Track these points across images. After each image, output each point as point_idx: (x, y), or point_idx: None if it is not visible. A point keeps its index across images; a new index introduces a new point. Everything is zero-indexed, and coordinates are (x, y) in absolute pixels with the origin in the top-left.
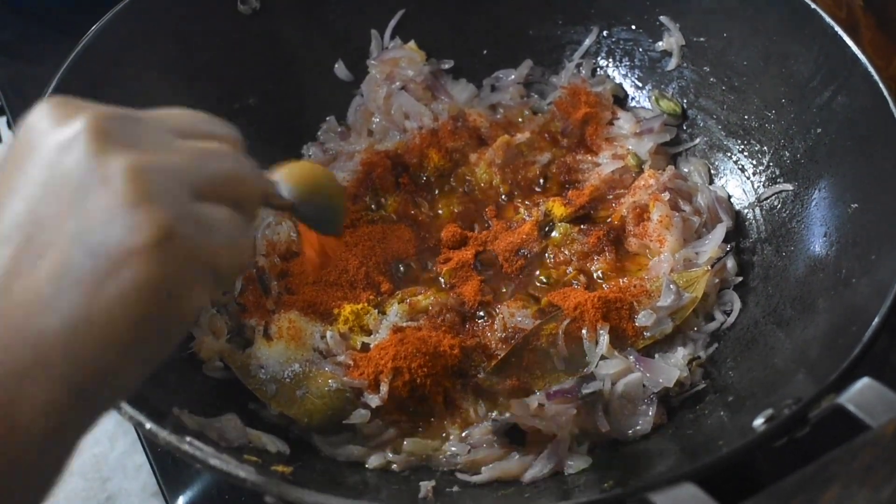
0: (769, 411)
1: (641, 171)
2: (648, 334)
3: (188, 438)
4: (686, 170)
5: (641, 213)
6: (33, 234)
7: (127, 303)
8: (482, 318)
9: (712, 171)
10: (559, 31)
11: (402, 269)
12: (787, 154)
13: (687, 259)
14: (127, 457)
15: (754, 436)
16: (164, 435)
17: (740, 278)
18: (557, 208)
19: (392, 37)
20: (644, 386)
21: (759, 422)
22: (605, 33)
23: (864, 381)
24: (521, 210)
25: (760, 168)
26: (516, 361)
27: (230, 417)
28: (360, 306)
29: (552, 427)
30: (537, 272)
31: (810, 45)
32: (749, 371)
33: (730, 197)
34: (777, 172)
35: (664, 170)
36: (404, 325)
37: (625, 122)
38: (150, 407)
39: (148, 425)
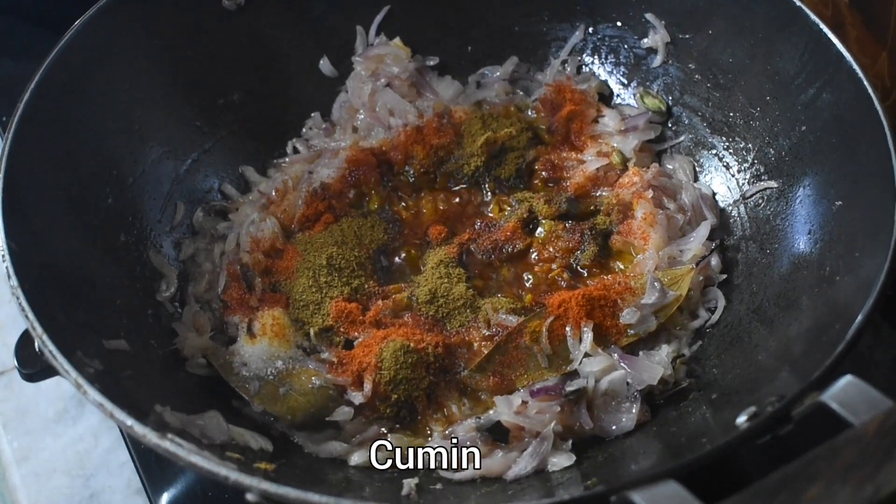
0: (752, 409)
1: (626, 168)
2: (632, 332)
3: (170, 435)
4: (671, 167)
5: (626, 211)
6: None
7: None
8: (466, 314)
9: (697, 169)
10: (545, 28)
11: (386, 265)
12: (772, 151)
13: (671, 257)
14: (111, 454)
15: (737, 433)
16: (146, 432)
17: (724, 276)
18: (542, 206)
19: (377, 33)
20: (628, 383)
21: (742, 419)
22: (590, 30)
23: (846, 379)
24: (506, 207)
25: (745, 165)
26: (500, 359)
27: (213, 415)
28: (345, 304)
29: (535, 424)
30: (522, 269)
31: (796, 42)
32: (733, 368)
33: (714, 194)
34: (762, 170)
35: (649, 167)
36: (388, 321)
37: (610, 120)
38: (133, 404)
39: (129, 422)
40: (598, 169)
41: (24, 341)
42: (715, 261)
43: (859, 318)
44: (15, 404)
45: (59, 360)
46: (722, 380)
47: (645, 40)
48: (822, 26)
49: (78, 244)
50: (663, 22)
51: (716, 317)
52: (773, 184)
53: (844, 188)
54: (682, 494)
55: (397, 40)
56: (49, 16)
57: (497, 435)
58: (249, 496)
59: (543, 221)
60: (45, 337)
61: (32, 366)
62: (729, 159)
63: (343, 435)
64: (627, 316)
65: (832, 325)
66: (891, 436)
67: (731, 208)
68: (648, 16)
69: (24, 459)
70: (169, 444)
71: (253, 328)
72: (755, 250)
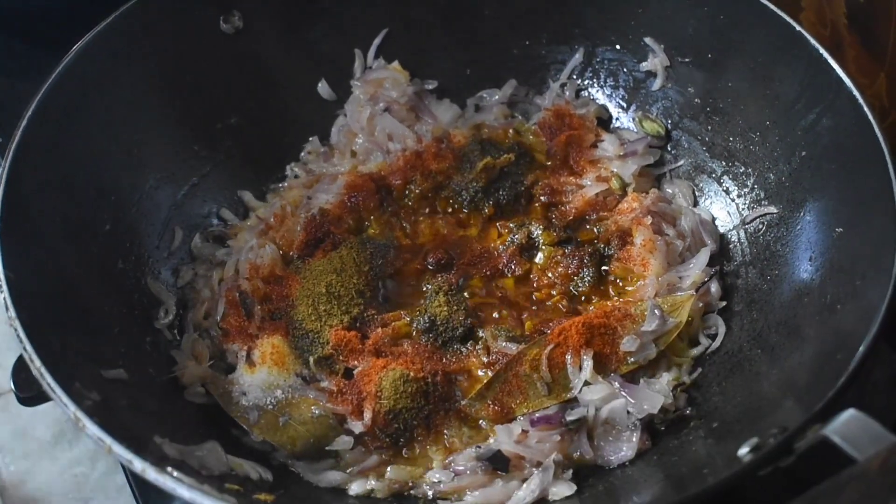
0: (754, 440)
1: (625, 193)
2: (633, 359)
3: (169, 469)
4: (670, 191)
5: (625, 237)
6: None
7: None
8: (466, 342)
9: (696, 193)
10: (544, 51)
11: (385, 292)
12: (772, 176)
13: (671, 283)
14: (108, 477)
15: (739, 466)
16: (145, 467)
17: (724, 303)
18: (541, 232)
19: (376, 56)
20: (629, 412)
21: (744, 451)
22: (589, 53)
23: (849, 413)
24: (505, 232)
25: (745, 190)
26: (499, 387)
27: (212, 446)
28: (344, 333)
29: (536, 454)
30: (521, 296)
31: (795, 67)
32: (734, 397)
33: (714, 219)
34: (762, 195)
35: (648, 192)
36: (387, 349)
37: (609, 145)
38: (131, 436)
39: (128, 457)
40: (597, 194)
41: (21, 365)
42: (714, 287)
43: (862, 348)
44: (12, 427)
45: (58, 393)
46: (723, 408)
47: (644, 64)
48: (823, 51)
49: (75, 272)
50: (662, 46)
51: (716, 343)
52: (773, 209)
53: (845, 214)
54: None
55: (396, 64)
56: (49, 37)
57: (497, 464)
58: None
59: (543, 247)
60: (43, 370)
61: (29, 390)
62: (729, 184)
63: (343, 464)
64: (627, 343)
65: (834, 355)
66: (895, 473)
67: (730, 234)
68: (647, 40)
69: (22, 483)
70: (168, 480)
71: (252, 356)
72: (755, 276)
